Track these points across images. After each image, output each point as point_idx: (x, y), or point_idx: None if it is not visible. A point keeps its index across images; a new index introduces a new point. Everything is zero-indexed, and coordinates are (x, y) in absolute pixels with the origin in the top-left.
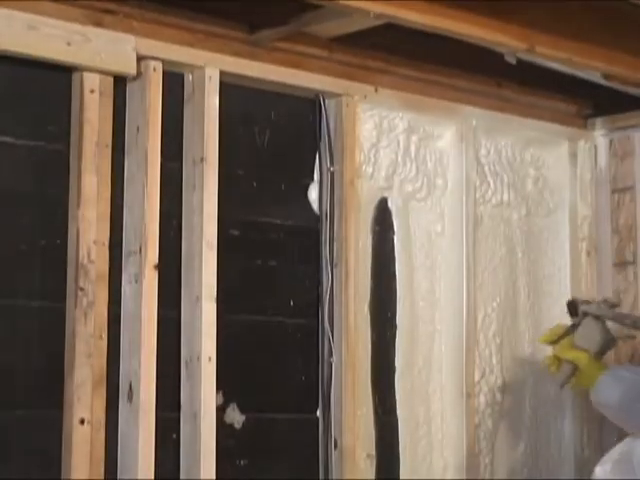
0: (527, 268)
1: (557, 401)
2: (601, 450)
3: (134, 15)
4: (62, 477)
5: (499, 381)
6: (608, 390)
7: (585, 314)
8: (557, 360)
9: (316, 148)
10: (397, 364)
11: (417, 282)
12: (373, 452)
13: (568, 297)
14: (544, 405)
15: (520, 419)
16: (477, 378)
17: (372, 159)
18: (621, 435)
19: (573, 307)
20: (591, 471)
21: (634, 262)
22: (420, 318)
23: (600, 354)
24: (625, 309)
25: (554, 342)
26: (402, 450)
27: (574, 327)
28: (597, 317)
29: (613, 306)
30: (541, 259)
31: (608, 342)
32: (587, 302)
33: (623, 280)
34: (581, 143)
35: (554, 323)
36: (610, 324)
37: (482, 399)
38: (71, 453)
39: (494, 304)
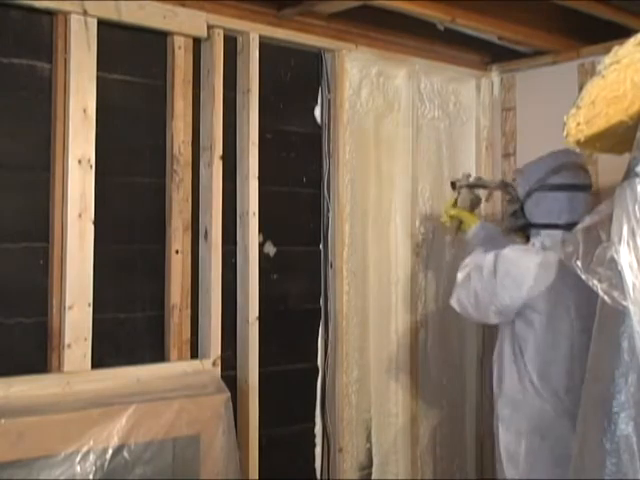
0: (449, 157)
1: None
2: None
3: None
4: (165, 287)
5: (431, 226)
6: (477, 231)
7: (460, 187)
8: (450, 218)
9: (319, 83)
10: (369, 218)
11: (384, 168)
12: (354, 269)
13: (455, 177)
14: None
15: (443, 249)
16: (417, 224)
17: (357, 92)
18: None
19: (453, 185)
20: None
21: (514, 154)
22: (383, 188)
23: (472, 209)
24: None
25: (451, 210)
26: (372, 268)
27: (457, 196)
28: (467, 187)
29: (471, 177)
30: (457, 152)
31: (476, 201)
32: (459, 180)
33: (507, 165)
34: (483, 80)
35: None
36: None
37: (420, 238)
38: (171, 271)
39: (428, 178)
